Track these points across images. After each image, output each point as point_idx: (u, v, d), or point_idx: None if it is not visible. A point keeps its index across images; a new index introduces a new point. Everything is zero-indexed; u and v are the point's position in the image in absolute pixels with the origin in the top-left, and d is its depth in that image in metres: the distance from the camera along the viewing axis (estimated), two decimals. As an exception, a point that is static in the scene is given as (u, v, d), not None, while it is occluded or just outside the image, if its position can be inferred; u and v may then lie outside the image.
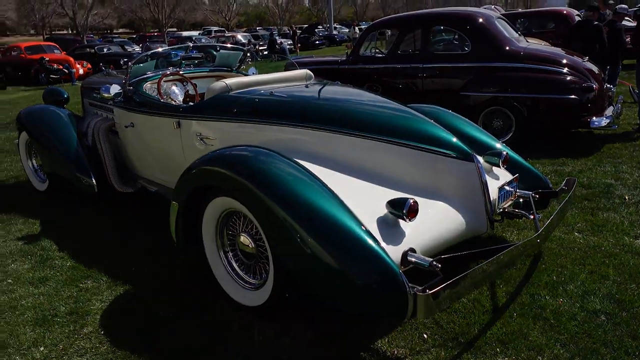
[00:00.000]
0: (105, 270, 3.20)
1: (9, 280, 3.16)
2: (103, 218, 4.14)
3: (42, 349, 2.45)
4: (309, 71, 3.77)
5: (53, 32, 51.15)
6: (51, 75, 16.77)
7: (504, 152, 2.88)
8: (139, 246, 3.54)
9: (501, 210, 2.72)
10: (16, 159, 6.21)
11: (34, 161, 4.95)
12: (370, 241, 2.07)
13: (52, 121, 4.49)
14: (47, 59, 17.17)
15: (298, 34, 30.28)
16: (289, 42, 28.82)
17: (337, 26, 44.76)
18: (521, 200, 2.90)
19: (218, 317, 2.61)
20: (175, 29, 49.15)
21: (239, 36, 30.95)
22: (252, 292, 2.61)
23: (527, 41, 6.50)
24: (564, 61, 5.57)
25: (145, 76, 4.20)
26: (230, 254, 2.76)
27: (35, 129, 4.54)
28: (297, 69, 4.28)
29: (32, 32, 58.62)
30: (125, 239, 3.69)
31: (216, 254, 2.77)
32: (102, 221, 4.07)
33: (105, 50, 21.32)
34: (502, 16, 6.61)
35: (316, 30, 36.54)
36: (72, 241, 3.70)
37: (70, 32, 50.12)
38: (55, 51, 19.37)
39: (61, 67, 17.15)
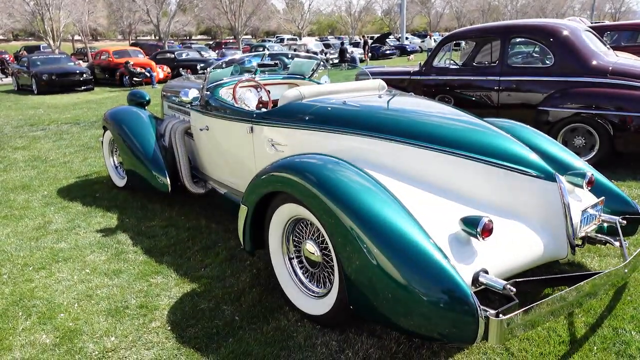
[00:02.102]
0: (175, 268, 3.31)
1: (87, 270, 3.35)
2: (177, 218, 4.29)
3: (112, 338, 2.56)
4: (382, 81, 3.73)
5: (138, 38, 54.54)
6: (134, 78, 17.79)
7: (589, 173, 2.69)
8: (210, 248, 3.63)
9: (583, 234, 2.53)
10: (99, 156, 6.65)
11: (115, 158, 5.25)
12: (439, 257, 2.00)
13: (133, 122, 4.75)
14: (131, 62, 18.21)
15: (369, 43, 30.23)
16: (360, 52, 28.89)
17: (408, 36, 44.30)
18: (605, 225, 2.70)
19: (283, 325, 2.60)
20: (249, 37, 50.79)
21: (311, 44, 31.36)
22: (315, 300, 2.59)
23: (617, 55, 6.09)
24: (658, 77, 5.15)
25: (221, 82, 4.34)
26: (295, 261, 2.77)
27: (118, 129, 4.80)
28: (369, 78, 4.26)
29: (119, 37, 62.92)
30: (198, 240, 3.79)
31: (281, 260, 2.79)
32: (176, 221, 4.22)
33: (184, 55, 22.30)
34: (589, 29, 6.23)
35: (387, 39, 36.36)
36: (145, 237, 3.87)
37: (153, 37, 53.24)
38: (140, 55, 20.56)
39: (143, 70, 18.13)
